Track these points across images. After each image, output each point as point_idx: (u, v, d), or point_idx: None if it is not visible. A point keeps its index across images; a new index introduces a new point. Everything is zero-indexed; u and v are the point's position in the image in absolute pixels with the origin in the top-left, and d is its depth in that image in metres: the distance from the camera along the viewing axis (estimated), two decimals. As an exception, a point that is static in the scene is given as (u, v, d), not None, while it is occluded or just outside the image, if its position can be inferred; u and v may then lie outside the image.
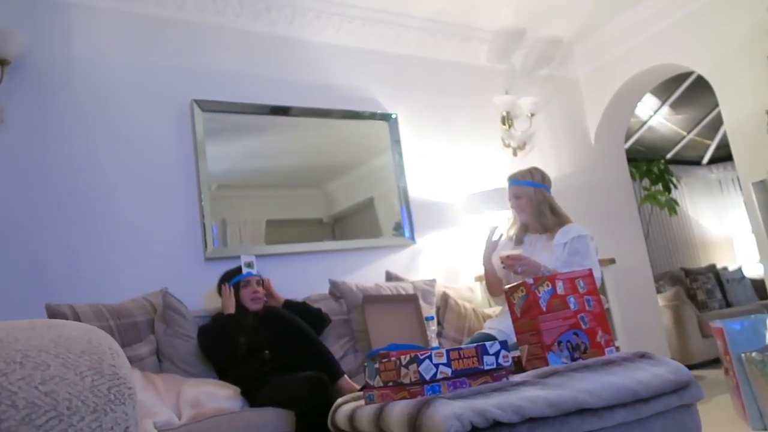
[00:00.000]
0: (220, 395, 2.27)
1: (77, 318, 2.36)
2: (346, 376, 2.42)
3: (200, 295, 2.92)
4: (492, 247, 2.67)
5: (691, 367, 4.42)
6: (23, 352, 0.53)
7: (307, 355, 2.42)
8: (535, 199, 2.63)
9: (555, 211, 2.64)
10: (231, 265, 2.84)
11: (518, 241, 2.70)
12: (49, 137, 2.83)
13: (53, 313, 2.35)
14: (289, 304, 2.83)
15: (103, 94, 3.00)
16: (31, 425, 0.50)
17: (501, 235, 2.70)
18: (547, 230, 2.62)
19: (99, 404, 0.55)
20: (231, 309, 2.65)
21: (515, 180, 2.71)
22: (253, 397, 2.34)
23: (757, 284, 6.23)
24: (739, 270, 6.44)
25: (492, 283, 2.71)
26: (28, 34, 2.81)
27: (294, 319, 2.59)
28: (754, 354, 2.56)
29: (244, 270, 2.72)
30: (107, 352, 0.60)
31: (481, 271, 2.85)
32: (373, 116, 3.74)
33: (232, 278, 2.74)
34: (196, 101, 3.19)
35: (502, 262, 2.46)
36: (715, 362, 4.67)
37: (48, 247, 2.71)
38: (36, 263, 2.67)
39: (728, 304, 5.87)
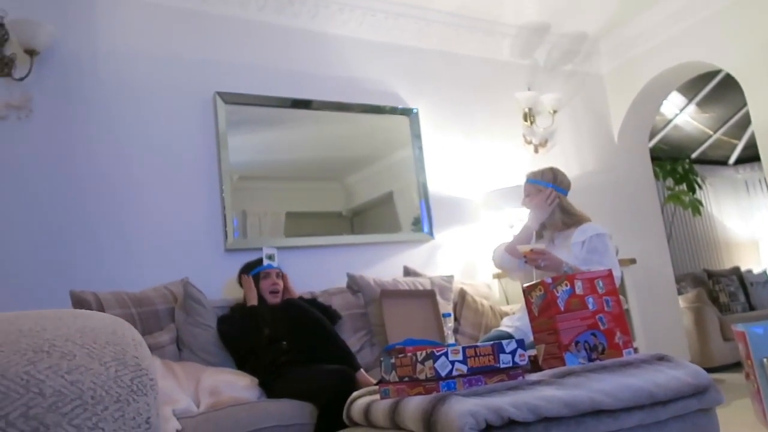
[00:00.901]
0: (238, 385, 2.30)
1: (100, 305, 2.41)
2: (362, 369, 2.43)
3: (220, 286, 2.96)
4: (526, 235, 2.64)
5: (711, 370, 4.36)
6: (51, 342, 0.55)
7: (324, 348, 2.44)
8: (544, 199, 2.62)
9: (568, 212, 2.61)
10: (251, 257, 2.87)
11: (538, 235, 2.70)
12: (75, 127, 2.88)
13: (77, 299, 2.40)
14: (301, 301, 2.85)
15: (129, 85, 3.04)
16: (57, 413, 0.52)
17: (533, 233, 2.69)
18: (557, 229, 2.61)
19: (122, 394, 0.57)
20: (254, 300, 2.68)
21: (529, 178, 2.71)
22: (270, 387, 2.36)
23: (782, 288, 6.10)
24: (764, 273, 6.32)
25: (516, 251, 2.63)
26: (57, 26, 2.86)
27: (312, 312, 2.62)
28: (776, 359, 2.51)
29: (265, 262, 2.75)
30: (131, 344, 0.61)
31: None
32: (394, 110, 3.74)
33: (252, 269, 2.77)
34: (219, 93, 3.22)
35: (525, 256, 2.45)
36: (736, 366, 4.60)
37: (72, 235, 2.77)
38: (61, 251, 2.72)
39: (752, 308, 5.77)
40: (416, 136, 3.76)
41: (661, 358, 1.77)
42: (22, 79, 2.73)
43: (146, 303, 2.58)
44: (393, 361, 1.63)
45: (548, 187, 2.63)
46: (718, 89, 5.83)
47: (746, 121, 6.20)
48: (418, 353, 1.53)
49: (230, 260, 3.02)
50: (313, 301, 2.87)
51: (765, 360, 2.56)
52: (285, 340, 2.51)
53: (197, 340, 2.56)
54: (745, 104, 3.93)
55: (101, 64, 3.00)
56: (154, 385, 0.62)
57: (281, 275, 2.81)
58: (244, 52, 3.37)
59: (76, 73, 2.93)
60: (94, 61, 2.99)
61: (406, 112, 3.77)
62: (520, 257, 2.57)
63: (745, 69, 3.81)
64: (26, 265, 2.64)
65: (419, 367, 1.51)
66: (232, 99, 3.26)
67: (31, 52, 2.75)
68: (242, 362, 2.55)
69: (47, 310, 0.62)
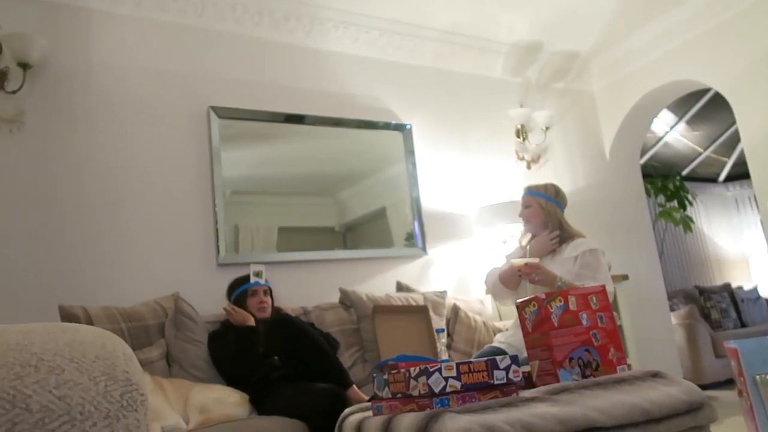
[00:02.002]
0: (228, 401, 2.27)
1: (89, 320, 2.38)
2: (354, 386, 2.41)
3: (211, 301, 2.93)
4: (520, 251, 2.66)
5: (704, 387, 4.36)
6: (38, 356, 0.54)
7: (316, 363, 2.42)
8: (544, 211, 2.63)
9: (563, 227, 2.62)
10: (243, 272, 2.85)
11: (525, 253, 2.70)
12: (67, 141, 2.86)
13: (66, 314, 2.37)
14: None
15: (122, 99, 3.04)
16: (43, 429, 0.51)
17: (519, 242, 2.70)
18: (554, 244, 2.62)
19: (111, 410, 0.55)
20: (250, 321, 2.59)
21: (529, 190, 2.72)
22: (262, 404, 2.33)
23: (773, 304, 6.14)
24: (755, 289, 6.36)
25: (510, 280, 2.63)
26: (50, 40, 2.86)
27: (304, 327, 2.59)
28: (769, 376, 2.52)
29: (252, 279, 2.69)
30: (121, 358, 0.60)
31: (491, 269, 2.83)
32: (387, 126, 3.75)
33: (239, 286, 2.73)
34: (213, 108, 3.22)
35: (519, 270, 2.45)
36: (728, 383, 4.60)
37: (62, 248, 2.74)
38: (51, 264, 2.69)
39: (743, 324, 5.79)
40: (410, 151, 3.77)
41: (655, 375, 1.76)
42: (14, 92, 2.72)
43: (136, 318, 2.55)
44: (386, 377, 1.62)
45: (550, 200, 2.64)
46: (708, 107, 5.91)
47: (735, 139, 6.28)
48: (412, 369, 1.51)
49: (222, 275, 2.99)
50: (311, 326, 2.83)
51: (758, 377, 2.56)
52: (276, 356, 2.48)
53: (187, 355, 2.53)
54: (734, 122, 3.98)
55: (94, 78, 3.00)
56: (145, 400, 0.61)
57: (269, 292, 2.77)
58: (238, 67, 3.38)
59: (69, 86, 2.93)
60: (87, 74, 2.98)
61: (400, 127, 3.79)
62: (514, 287, 2.58)
63: (734, 87, 3.86)
64: (15, 278, 2.60)
65: (412, 383, 1.49)
66: (226, 113, 3.26)
67: (24, 66, 2.74)
68: (231, 379, 2.52)
69: (35, 323, 0.61)
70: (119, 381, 0.57)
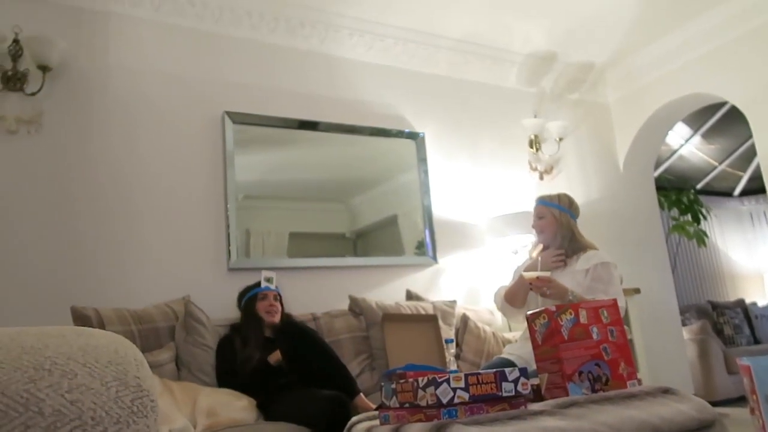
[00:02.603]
0: (235, 406, 2.28)
1: (101, 321, 2.40)
2: (362, 394, 2.40)
3: (222, 305, 2.94)
4: (532, 263, 2.62)
5: (715, 404, 4.30)
6: (52, 359, 0.55)
7: (324, 371, 2.42)
8: (556, 222, 2.61)
9: (576, 239, 2.61)
10: (253, 276, 2.86)
11: (537, 265, 2.67)
12: (82, 143, 2.90)
13: (78, 315, 2.39)
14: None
15: (138, 102, 3.07)
16: (55, 433, 0.51)
17: (530, 254, 2.68)
18: (566, 255, 2.60)
19: (122, 415, 0.56)
20: (276, 357, 2.52)
21: (542, 200, 2.70)
22: (269, 409, 2.33)
23: (788, 321, 6.04)
24: (769, 306, 6.27)
25: (517, 293, 2.62)
26: (70, 43, 2.90)
27: (313, 333, 2.60)
28: (782, 395, 2.48)
29: (263, 284, 2.74)
30: (132, 363, 0.61)
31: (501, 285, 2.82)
32: (400, 134, 3.76)
33: (250, 291, 2.76)
34: (228, 113, 3.24)
35: (530, 283, 2.43)
36: (741, 400, 4.53)
37: (76, 249, 2.77)
38: (63, 266, 2.72)
39: (756, 341, 5.71)
40: (422, 160, 3.77)
41: (665, 391, 1.74)
42: (33, 94, 2.76)
43: (147, 320, 2.56)
44: (394, 386, 1.61)
45: (563, 211, 2.63)
46: (724, 121, 5.86)
47: (751, 153, 6.21)
48: (420, 379, 1.51)
49: (233, 279, 3.01)
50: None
51: (771, 395, 2.52)
52: (284, 360, 2.48)
53: (196, 359, 2.54)
54: (750, 136, 3.94)
55: (112, 81, 3.03)
56: (155, 406, 0.61)
57: (278, 298, 2.78)
58: (253, 73, 3.41)
59: (87, 89, 2.97)
60: (104, 78, 3.02)
61: (413, 136, 3.79)
62: (520, 304, 2.57)
63: (751, 101, 3.83)
64: (30, 277, 2.64)
65: (420, 393, 1.49)
66: (241, 119, 3.28)
67: (43, 68, 2.78)
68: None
69: (50, 327, 0.61)
70: (130, 387, 0.58)
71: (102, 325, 2.38)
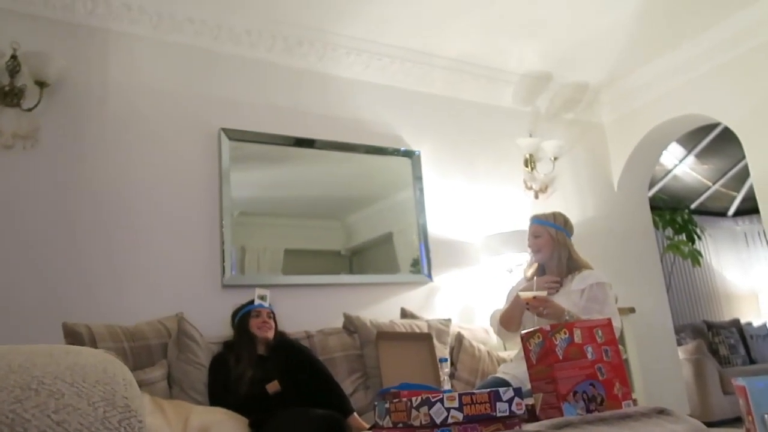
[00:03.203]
0: (227, 425, 2.25)
1: (92, 338, 2.38)
2: (355, 413, 2.38)
3: (215, 322, 2.92)
4: (528, 283, 2.63)
5: (711, 424, 4.27)
6: (39, 379, 0.54)
7: (317, 389, 2.40)
8: (554, 241, 2.61)
9: (572, 257, 2.61)
10: (247, 293, 2.85)
11: (533, 284, 2.67)
12: (79, 159, 2.90)
13: (69, 331, 2.36)
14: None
15: (136, 118, 3.08)
16: (40, 454, 0.50)
17: (525, 273, 2.68)
18: (562, 274, 2.60)
19: (109, 436, 0.55)
20: (275, 387, 2.48)
21: (537, 219, 2.70)
22: (262, 428, 2.31)
23: (783, 342, 6.04)
24: (765, 326, 6.27)
25: (513, 317, 2.63)
26: (68, 59, 2.92)
27: (306, 351, 2.58)
28: (778, 416, 2.47)
29: (257, 301, 2.73)
30: (121, 383, 0.60)
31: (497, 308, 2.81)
32: (396, 152, 3.77)
33: (243, 308, 2.74)
34: (224, 129, 3.25)
35: (527, 303, 2.43)
36: (737, 420, 4.51)
37: (69, 265, 2.75)
38: (56, 281, 2.71)
39: (752, 361, 5.70)
40: (418, 178, 3.78)
41: (661, 412, 1.73)
42: (30, 109, 2.77)
43: (139, 337, 2.54)
44: (387, 405, 1.60)
45: (559, 230, 2.63)
46: (717, 141, 5.91)
47: (745, 174, 6.26)
48: (413, 399, 1.50)
49: (227, 296, 2.99)
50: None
51: (766, 416, 2.51)
52: (275, 379, 2.46)
53: (188, 378, 2.51)
54: (743, 157, 3.97)
55: (109, 98, 3.04)
56: (143, 427, 0.60)
57: (272, 316, 2.76)
58: (250, 90, 3.43)
59: (84, 105, 2.97)
60: (102, 94, 3.03)
61: (409, 154, 3.81)
62: (515, 328, 2.58)
63: (744, 123, 3.87)
64: (23, 294, 2.62)
65: (414, 413, 1.48)
66: (237, 136, 3.29)
67: (41, 84, 2.79)
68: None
69: (39, 345, 0.61)
70: (118, 407, 0.57)
71: (93, 342, 2.36)
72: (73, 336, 2.35)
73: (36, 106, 2.78)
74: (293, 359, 2.47)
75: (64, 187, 2.83)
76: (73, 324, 2.40)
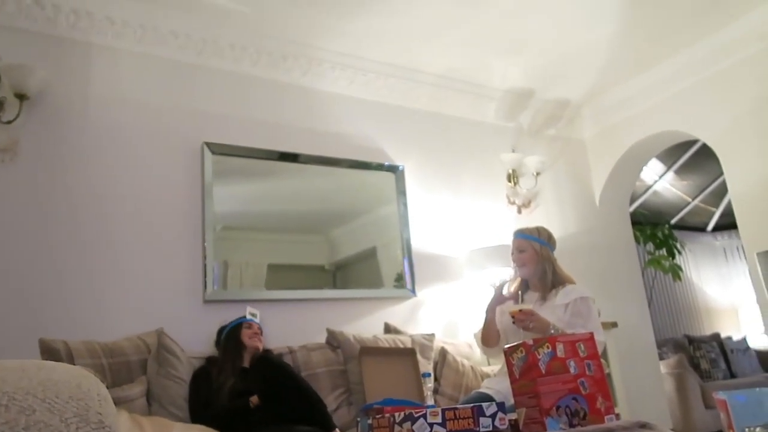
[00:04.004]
0: (208, 443, 2.21)
1: (70, 354, 2.33)
2: (338, 430, 2.36)
3: (197, 338, 2.88)
4: (499, 298, 2.63)
5: (693, 438, 4.29)
6: (10, 395, 0.52)
7: (299, 406, 2.37)
8: (538, 256, 2.62)
9: (556, 272, 2.62)
10: (230, 309, 2.84)
11: (519, 298, 2.66)
12: (59, 172, 2.86)
13: (46, 348, 2.31)
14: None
15: (118, 132, 3.05)
16: (10, 472, 0.49)
17: (509, 289, 2.67)
18: (546, 289, 2.60)
19: (81, 454, 0.53)
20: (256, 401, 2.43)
21: (522, 233, 2.70)
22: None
23: (762, 355, 6.13)
24: (744, 340, 6.35)
25: (490, 334, 2.66)
26: (49, 72, 2.89)
27: (287, 367, 2.55)
28: (758, 429, 2.49)
29: (248, 316, 2.74)
30: (95, 399, 0.59)
31: (479, 327, 2.81)
32: (380, 167, 3.78)
33: (235, 321, 2.73)
34: (207, 144, 3.24)
35: (513, 316, 2.43)
36: (718, 435, 4.54)
37: (48, 279, 2.70)
38: (35, 296, 2.65)
39: (732, 375, 5.75)
40: (401, 192, 3.79)
41: (643, 426, 1.74)
42: (10, 122, 2.73)
43: (118, 353, 2.50)
44: (370, 421, 1.59)
45: (544, 245, 2.64)
46: (696, 158, 6.02)
47: (723, 190, 6.37)
48: (396, 414, 1.49)
49: (209, 312, 2.96)
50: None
51: (747, 430, 2.53)
52: (255, 395, 2.42)
53: (168, 393, 2.47)
54: (721, 173, 4.05)
55: (91, 111, 3.02)
56: (117, 444, 0.59)
57: (261, 330, 2.77)
58: (234, 104, 3.42)
59: (65, 118, 2.94)
60: (84, 107, 3.01)
61: (392, 169, 3.82)
62: (494, 343, 2.60)
63: (721, 140, 3.94)
64: (0, 308, 2.56)
65: (397, 428, 1.47)
66: (220, 150, 3.28)
67: (21, 96, 2.76)
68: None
69: (11, 360, 0.59)
70: (91, 423, 0.55)
71: (71, 358, 2.31)
72: (50, 352, 2.30)
73: (16, 118, 2.74)
74: (272, 375, 2.44)
75: (45, 200, 2.79)
76: (50, 340, 2.35)
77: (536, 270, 2.62)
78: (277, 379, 2.41)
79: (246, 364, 2.62)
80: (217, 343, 2.75)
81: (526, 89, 4.33)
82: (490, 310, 2.65)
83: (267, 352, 2.71)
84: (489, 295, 2.71)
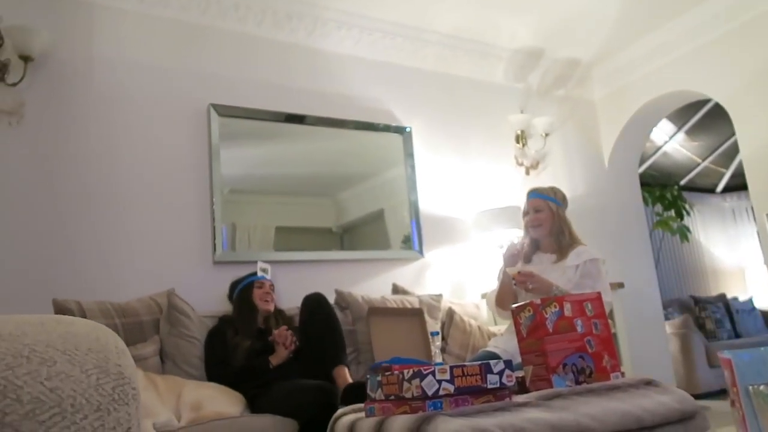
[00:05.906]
0: (221, 399, 2.26)
1: (83, 314, 2.38)
2: (347, 368, 2.44)
3: (207, 299, 2.92)
4: (513, 258, 2.54)
5: (697, 396, 4.36)
6: (31, 347, 0.54)
7: (332, 342, 2.54)
8: (555, 216, 2.59)
9: (571, 233, 2.61)
10: (239, 270, 2.85)
11: (527, 259, 2.66)
12: (65, 135, 2.86)
13: (60, 308, 2.36)
14: None
15: (123, 94, 3.03)
16: (34, 420, 0.51)
17: (524, 245, 2.59)
18: (559, 250, 2.59)
19: (103, 403, 0.55)
20: (278, 359, 2.51)
21: (538, 193, 2.63)
22: (255, 402, 2.33)
23: (768, 316, 6.14)
24: (750, 301, 6.37)
25: (505, 295, 2.60)
26: (53, 33, 2.85)
27: (333, 310, 2.72)
28: (761, 387, 2.52)
29: (260, 273, 2.75)
30: (113, 351, 0.60)
31: (486, 287, 2.82)
32: (387, 128, 3.75)
33: (244, 280, 2.76)
34: (213, 105, 3.22)
35: (513, 279, 2.43)
36: (721, 393, 4.60)
37: (57, 243, 2.73)
38: (45, 259, 2.69)
39: (737, 335, 5.79)
40: (409, 154, 3.77)
41: (648, 383, 1.76)
42: (14, 84, 2.72)
43: (131, 314, 2.54)
44: (379, 378, 1.61)
45: (558, 205, 2.61)
46: (707, 118, 5.93)
47: (734, 150, 6.29)
48: (405, 371, 1.51)
49: (218, 273, 2.99)
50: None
51: (751, 388, 2.56)
52: (297, 335, 2.54)
53: (180, 352, 2.52)
54: (733, 134, 3.99)
55: (96, 73, 2.99)
56: (137, 394, 0.60)
57: (273, 288, 2.80)
58: (239, 66, 3.38)
59: (70, 80, 2.92)
60: (88, 69, 2.98)
61: (400, 130, 3.79)
62: (508, 308, 2.58)
63: (734, 99, 3.87)
64: (11, 271, 2.60)
65: (406, 385, 1.49)
66: (226, 112, 3.26)
67: (25, 58, 2.74)
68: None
69: (30, 315, 0.61)
70: (111, 374, 0.57)
71: (84, 318, 2.35)
72: (63, 313, 2.35)
73: (21, 80, 2.73)
74: (321, 313, 2.62)
75: (52, 163, 2.80)
76: (63, 300, 2.39)
77: (552, 230, 2.59)
78: (325, 320, 2.57)
79: (260, 324, 2.67)
80: (230, 297, 2.79)
81: (535, 49, 4.25)
82: (505, 273, 2.65)
83: (281, 312, 2.77)
84: (498, 258, 2.70)
